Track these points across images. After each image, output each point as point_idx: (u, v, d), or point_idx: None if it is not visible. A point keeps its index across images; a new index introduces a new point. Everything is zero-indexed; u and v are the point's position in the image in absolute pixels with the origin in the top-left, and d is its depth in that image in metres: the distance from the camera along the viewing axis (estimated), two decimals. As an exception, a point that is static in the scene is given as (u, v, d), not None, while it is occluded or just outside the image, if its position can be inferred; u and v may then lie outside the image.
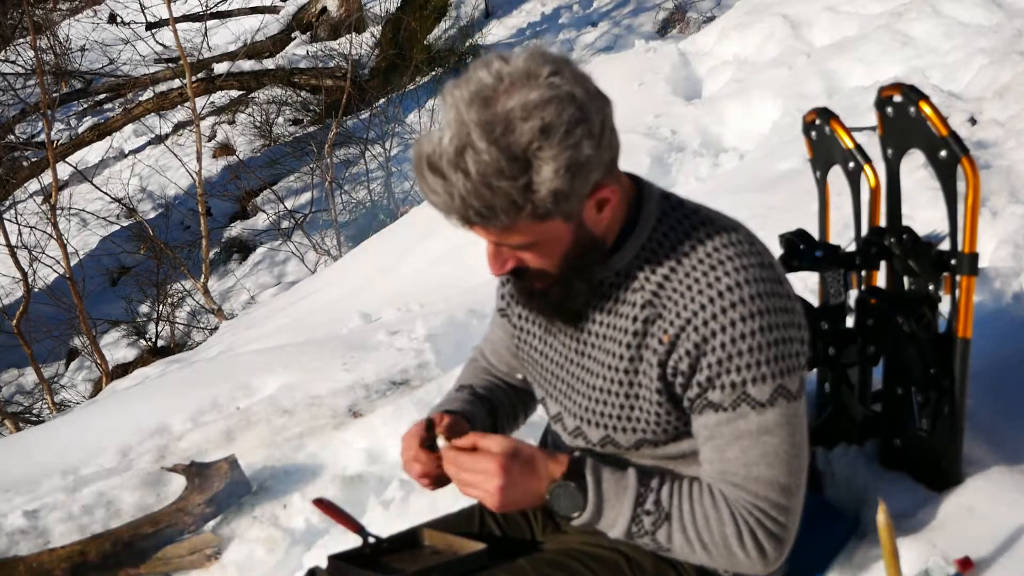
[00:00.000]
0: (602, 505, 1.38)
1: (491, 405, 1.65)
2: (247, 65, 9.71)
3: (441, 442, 1.44)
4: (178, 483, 2.96)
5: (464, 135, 1.19)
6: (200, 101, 9.51)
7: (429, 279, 4.59)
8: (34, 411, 7.14)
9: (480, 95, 1.21)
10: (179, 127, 10.48)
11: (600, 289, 1.41)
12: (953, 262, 1.76)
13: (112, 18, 12.52)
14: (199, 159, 7.46)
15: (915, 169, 3.21)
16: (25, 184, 9.57)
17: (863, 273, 2.00)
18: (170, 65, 10.07)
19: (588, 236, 1.33)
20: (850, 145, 2.01)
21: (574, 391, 1.49)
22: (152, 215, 9.24)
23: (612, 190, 1.31)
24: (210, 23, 10.73)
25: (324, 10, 10.56)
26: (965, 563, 1.56)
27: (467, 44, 9.67)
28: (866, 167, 1.99)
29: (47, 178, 8.42)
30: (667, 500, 1.36)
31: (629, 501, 1.37)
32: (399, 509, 2.57)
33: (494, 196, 1.21)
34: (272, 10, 11.44)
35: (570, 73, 1.24)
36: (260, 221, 8.97)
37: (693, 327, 1.33)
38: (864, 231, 2.05)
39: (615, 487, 1.38)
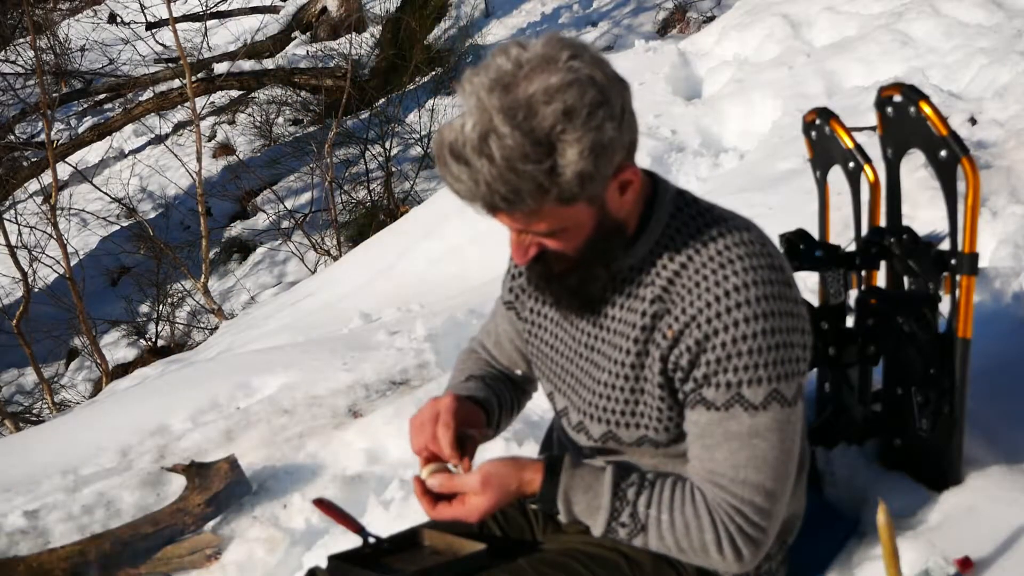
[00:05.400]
0: (576, 522, 1.41)
1: (498, 400, 1.65)
2: (247, 65, 9.71)
3: (424, 473, 1.44)
4: (178, 483, 2.96)
5: (487, 121, 1.19)
6: (200, 101, 9.51)
7: (429, 279, 4.60)
8: (34, 411, 7.14)
9: (500, 81, 1.20)
10: (179, 127, 10.49)
11: (613, 282, 1.41)
12: (953, 262, 1.76)
13: (112, 18, 12.53)
14: (199, 159, 7.46)
15: (915, 169, 3.21)
16: (25, 184, 9.57)
17: (863, 273, 2.00)
18: (170, 65, 10.08)
19: (611, 220, 1.33)
20: (850, 145, 2.01)
21: (581, 385, 1.49)
22: (152, 215, 9.25)
23: (634, 172, 1.31)
24: (210, 23, 10.73)
25: (324, 10, 10.57)
26: (965, 563, 1.56)
27: (467, 44, 9.67)
28: (866, 167, 1.99)
29: (47, 178, 8.42)
30: (643, 511, 1.37)
31: (602, 519, 1.38)
32: (399, 509, 2.57)
33: (520, 181, 1.20)
34: (272, 10, 11.45)
35: (589, 57, 1.24)
36: (260, 221, 8.97)
37: (697, 323, 1.33)
38: (864, 231, 2.05)
39: (587, 508, 1.39)
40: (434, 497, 1.43)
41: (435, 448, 1.45)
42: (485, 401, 1.59)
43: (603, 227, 1.33)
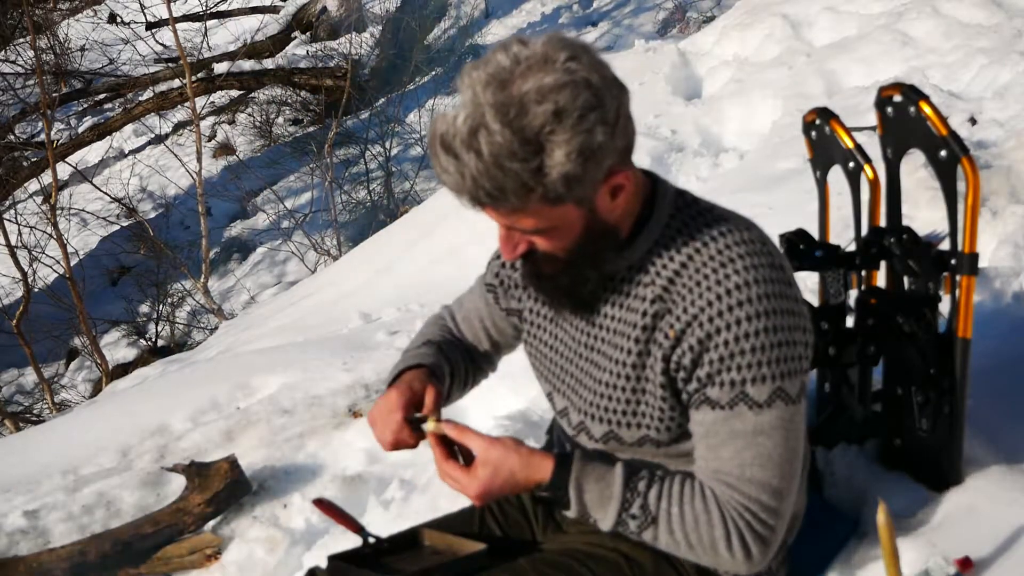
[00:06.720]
0: (586, 513, 1.40)
1: (451, 368, 1.67)
2: (247, 65, 9.71)
3: (430, 426, 1.46)
4: (178, 483, 2.95)
5: (478, 116, 1.20)
6: (200, 101, 9.52)
7: (429, 279, 4.60)
8: (34, 411, 7.13)
9: (497, 77, 1.21)
10: (179, 127, 10.50)
11: (611, 282, 1.41)
12: (953, 262, 1.76)
13: (112, 18, 12.54)
14: (199, 159, 7.47)
15: (915, 169, 3.21)
16: (25, 184, 9.57)
17: (863, 273, 2.00)
18: (170, 65, 10.08)
19: (601, 223, 1.33)
20: (850, 145, 2.01)
21: (581, 385, 1.49)
22: (152, 215, 9.25)
23: (627, 176, 1.31)
24: (210, 23, 10.73)
25: (324, 10, 10.57)
26: (965, 563, 1.56)
27: (467, 44, 9.68)
28: (866, 167, 1.99)
29: (47, 178, 8.43)
30: (654, 504, 1.36)
31: (613, 509, 1.37)
32: (399, 509, 2.57)
33: (505, 177, 1.21)
34: (272, 10, 11.45)
35: (588, 59, 1.24)
36: (260, 221, 8.97)
37: (699, 323, 1.33)
38: (864, 231, 2.05)
39: (599, 497, 1.38)
40: (447, 451, 1.45)
41: (399, 437, 1.50)
42: (434, 366, 1.62)
43: (593, 230, 1.33)
